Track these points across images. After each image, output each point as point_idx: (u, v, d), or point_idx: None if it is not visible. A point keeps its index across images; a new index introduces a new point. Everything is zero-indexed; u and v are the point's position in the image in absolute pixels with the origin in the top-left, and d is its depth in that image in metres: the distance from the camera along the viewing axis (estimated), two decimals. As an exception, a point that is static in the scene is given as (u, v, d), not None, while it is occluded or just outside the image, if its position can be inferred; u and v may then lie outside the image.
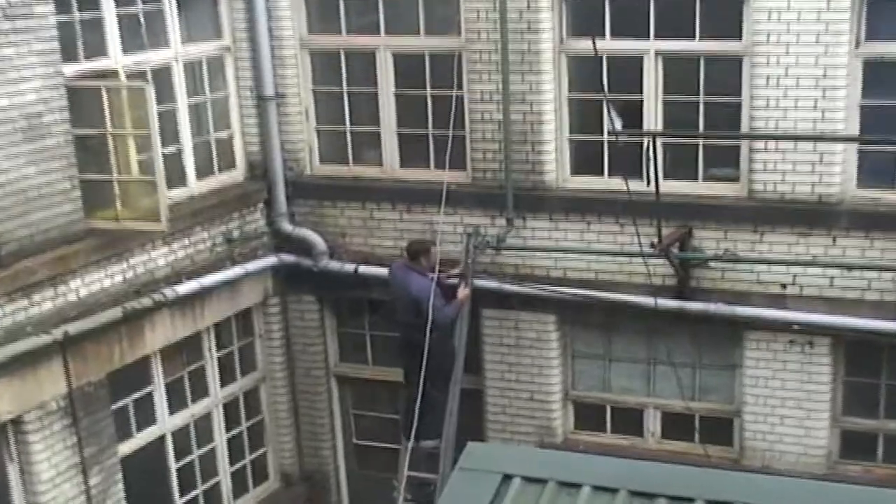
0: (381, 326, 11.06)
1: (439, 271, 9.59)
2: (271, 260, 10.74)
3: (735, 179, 9.55)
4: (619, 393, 10.46)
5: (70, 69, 8.88)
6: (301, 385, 11.33)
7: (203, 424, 10.61)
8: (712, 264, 9.56)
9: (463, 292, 9.71)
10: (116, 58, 9.30)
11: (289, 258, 10.80)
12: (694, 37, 9.33)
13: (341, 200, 10.66)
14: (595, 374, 10.49)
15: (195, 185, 10.22)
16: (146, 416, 9.97)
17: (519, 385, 10.45)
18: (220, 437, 10.82)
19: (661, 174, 9.17)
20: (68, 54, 8.84)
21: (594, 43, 8.93)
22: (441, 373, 9.70)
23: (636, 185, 9.24)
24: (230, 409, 10.91)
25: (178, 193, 9.99)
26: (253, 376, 11.18)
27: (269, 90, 10.40)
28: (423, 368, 9.24)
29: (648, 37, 9.43)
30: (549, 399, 10.43)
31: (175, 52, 9.90)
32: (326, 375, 11.35)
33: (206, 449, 10.67)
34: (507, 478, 5.53)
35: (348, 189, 10.63)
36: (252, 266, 10.52)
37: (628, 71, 9.52)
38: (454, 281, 9.83)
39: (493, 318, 10.36)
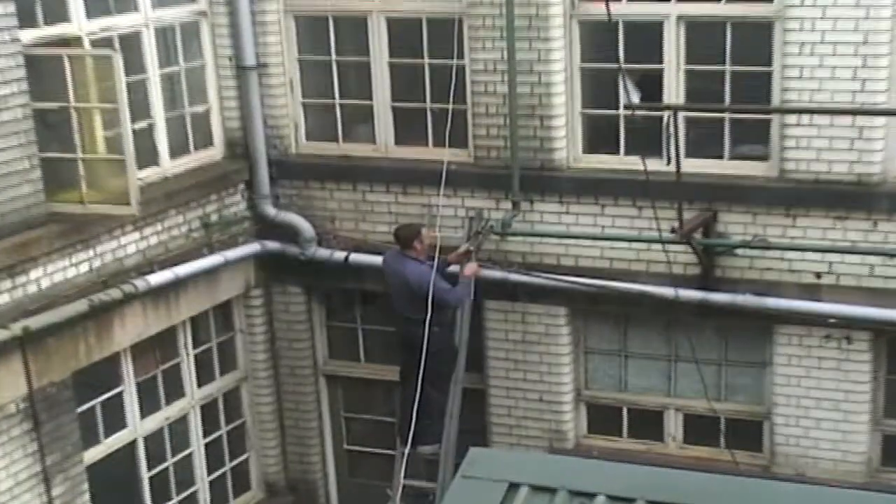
0: (375, 320, 11.08)
1: (438, 257, 9.56)
2: (253, 247, 10.72)
3: (765, 158, 9.54)
4: (637, 393, 10.45)
5: (28, 35, 8.81)
6: (286, 385, 11.32)
7: (178, 428, 10.58)
8: (739, 251, 9.55)
9: (470, 267, 9.65)
10: (80, 23, 9.21)
11: (273, 245, 10.79)
12: (719, -1, 9.30)
13: (330, 181, 10.63)
14: (610, 372, 10.48)
15: (168, 165, 10.16)
16: (115, 419, 9.93)
17: (526, 384, 10.44)
18: (198, 443, 10.81)
19: (682, 152, 9.15)
20: (26, 19, 8.75)
21: (608, 7, 8.89)
22: (441, 371, 9.72)
23: (655, 165, 9.25)
24: (208, 411, 10.88)
25: (150, 174, 9.95)
26: (233, 375, 11.16)
27: (249, 59, 10.36)
28: (422, 366, 9.22)
29: (669, -1, 9.39)
30: (560, 400, 10.42)
31: (145, 16, 9.83)
32: (314, 374, 11.36)
33: (181, 455, 10.66)
34: (514, 486, 5.55)
35: (338, 169, 10.60)
36: (232, 254, 10.48)
37: (647, 38, 9.49)
38: (455, 268, 9.79)
39: (497, 311, 10.34)
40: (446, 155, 9.74)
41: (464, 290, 9.57)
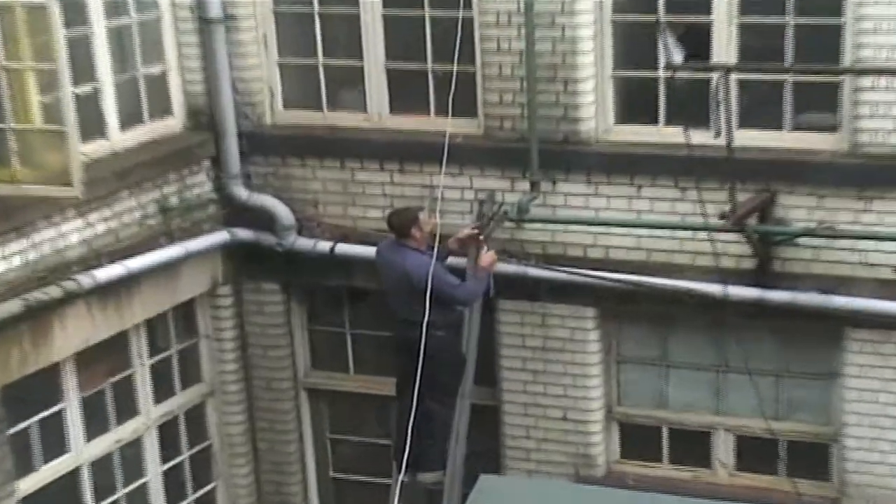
0: (367, 323, 11.10)
1: (438, 246, 9.44)
2: (221, 236, 10.72)
3: (833, 129, 9.50)
4: (680, 410, 10.45)
5: (-55, -20, 8.84)
6: (261, 401, 11.35)
7: (131, 453, 10.58)
8: (802, 241, 9.48)
9: (488, 257, 9.60)
10: (9, -35, 9.23)
11: (244, 234, 10.79)
12: (780, -64, 9.30)
13: (313, 157, 10.60)
14: (647, 385, 10.49)
15: (118, 138, 10.10)
16: (55, 442, 9.91)
17: (547, 400, 10.43)
18: (155, 470, 10.82)
19: (734, 122, 9.13)
20: (-59, -41, 8.80)
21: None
22: (446, 383, 9.69)
23: (702, 137, 9.20)
24: (167, 432, 10.91)
25: (96, 148, 9.88)
26: (197, 389, 11.18)
27: (214, 10, 10.32)
28: (423, 377, 8.77)
29: (720, -63, 9.40)
30: (588, 418, 10.41)
31: (88, -43, 9.86)
32: (294, 388, 11.37)
33: (135, 486, 10.67)
34: (532, 521, 5.41)
35: (322, 142, 10.57)
36: (195, 244, 10.47)
37: (692, -16, 9.53)
38: (457, 260, 9.69)
39: (512, 312, 10.32)
40: (450, 125, 9.38)
41: (478, 284, 9.52)
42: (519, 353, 10.38)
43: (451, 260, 9.75)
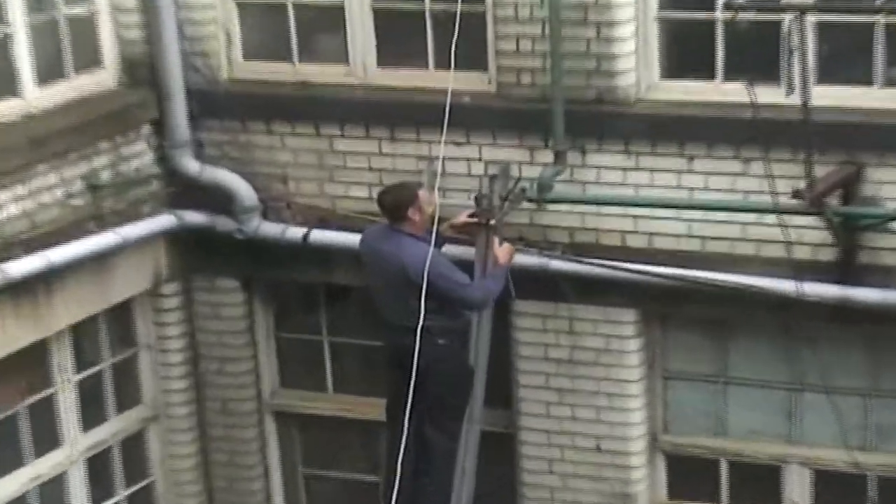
0: (350, 329, 11.10)
1: (437, 232, 9.37)
2: (165, 220, 10.68)
3: None
4: (742, 438, 10.36)
5: None
6: (216, 427, 11.35)
7: (53, 492, 10.53)
8: None
9: (506, 250, 9.52)
10: None
11: (195, 217, 10.76)
12: None
13: (281, 121, 10.56)
14: (701, 406, 10.43)
15: (34, 96, 10.07)
16: None
17: (576, 426, 10.36)
18: None
19: (811, 77, 9.00)
20: None
21: None
22: (449, 405, 9.60)
23: (770, 95, 9.04)
24: (99, 466, 10.88)
25: (6, 109, 9.86)
26: (136, 413, 11.17)
27: None
28: (421, 397, 8.86)
29: None
30: (626, 449, 10.33)
31: None
32: (258, 411, 11.37)
33: None
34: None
35: (293, 102, 10.54)
36: (133, 230, 10.41)
37: None
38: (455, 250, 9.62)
39: (532, 316, 10.23)
40: (452, 80, 9.16)
41: (494, 283, 9.39)
42: (540, 367, 10.31)
43: (450, 249, 9.67)
